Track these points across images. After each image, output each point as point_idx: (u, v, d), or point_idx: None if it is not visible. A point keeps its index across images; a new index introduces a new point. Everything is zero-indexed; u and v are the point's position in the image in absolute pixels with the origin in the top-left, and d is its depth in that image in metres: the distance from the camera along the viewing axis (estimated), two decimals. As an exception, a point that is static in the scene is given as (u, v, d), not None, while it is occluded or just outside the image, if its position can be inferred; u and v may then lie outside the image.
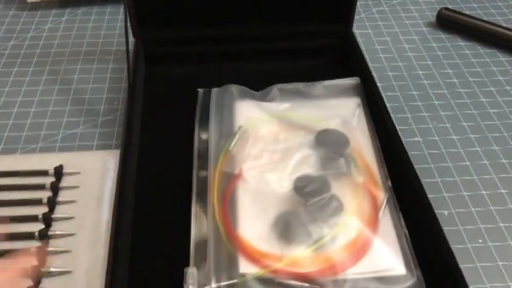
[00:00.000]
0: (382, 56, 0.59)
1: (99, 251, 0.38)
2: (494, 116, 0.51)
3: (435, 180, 0.45)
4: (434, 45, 0.61)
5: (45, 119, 0.51)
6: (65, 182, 0.44)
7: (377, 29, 0.64)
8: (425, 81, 0.56)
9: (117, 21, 0.65)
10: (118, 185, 0.38)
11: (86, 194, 0.42)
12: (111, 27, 0.64)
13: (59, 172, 0.44)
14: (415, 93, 0.54)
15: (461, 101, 0.53)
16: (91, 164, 0.45)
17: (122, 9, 0.66)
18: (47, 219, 0.40)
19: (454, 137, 0.49)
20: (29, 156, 0.46)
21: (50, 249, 0.38)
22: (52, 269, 0.37)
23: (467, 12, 0.65)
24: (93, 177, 0.44)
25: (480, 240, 0.40)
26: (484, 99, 0.53)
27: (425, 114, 0.51)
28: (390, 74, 0.56)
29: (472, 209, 0.43)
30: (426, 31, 0.64)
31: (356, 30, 0.54)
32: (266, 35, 0.54)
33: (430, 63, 0.58)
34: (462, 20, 0.63)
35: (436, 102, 0.53)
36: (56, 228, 0.40)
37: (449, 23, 0.63)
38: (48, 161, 0.45)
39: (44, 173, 0.44)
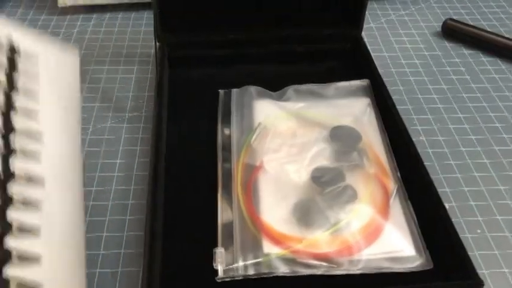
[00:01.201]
0: (389, 62, 0.63)
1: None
2: (495, 119, 0.55)
3: (438, 176, 0.48)
4: (439, 53, 0.65)
5: (76, 115, 0.55)
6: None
7: (385, 37, 0.68)
8: (430, 86, 0.59)
9: (141, 26, 0.69)
10: (151, 172, 0.42)
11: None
12: (135, 32, 0.68)
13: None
14: (420, 96, 0.58)
15: (463, 104, 0.57)
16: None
17: (146, 16, 0.70)
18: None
19: (457, 137, 0.53)
20: None
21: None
22: None
23: (472, 23, 0.68)
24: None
25: (479, 231, 0.44)
26: (485, 104, 0.57)
27: (430, 117, 0.55)
28: (397, 79, 0.60)
29: (472, 202, 0.46)
30: (432, 40, 0.67)
31: (366, 39, 0.58)
32: (282, 39, 0.58)
33: (435, 69, 0.62)
34: (466, 30, 0.66)
35: (440, 106, 0.57)
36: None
37: (454, 33, 0.67)
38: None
39: None
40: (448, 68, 0.62)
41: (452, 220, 0.39)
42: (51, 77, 0.35)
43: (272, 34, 0.58)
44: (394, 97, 0.50)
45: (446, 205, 0.40)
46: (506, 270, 0.41)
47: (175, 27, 0.57)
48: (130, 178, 0.48)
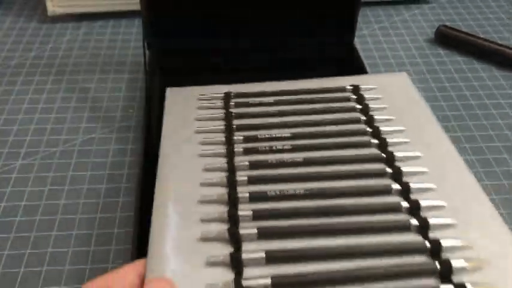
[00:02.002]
0: (383, 69, 0.62)
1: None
2: (489, 127, 0.54)
3: (431, 186, 0.48)
4: (433, 60, 0.64)
5: (64, 125, 0.54)
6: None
7: (378, 44, 0.67)
8: (423, 93, 0.59)
9: (131, 34, 0.68)
10: (140, 183, 0.41)
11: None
12: (126, 40, 0.67)
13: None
14: (413, 104, 0.57)
15: (457, 112, 0.56)
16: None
17: (136, 24, 0.70)
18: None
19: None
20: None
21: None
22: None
23: (465, 30, 0.68)
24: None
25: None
26: (479, 112, 0.56)
27: (423, 125, 0.54)
28: (390, 86, 0.60)
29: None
30: (425, 46, 0.67)
31: (359, 46, 0.57)
32: (274, 47, 0.57)
33: (428, 77, 0.62)
34: (460, 36, 0.66)
35: (433, 114, 0.56)
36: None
37: (447, 39, 0.67)
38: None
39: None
40: (441, 75, 0.62)
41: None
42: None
43: (264, 42, 0.57)
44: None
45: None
46: None
47: (166, 35, 0.57)
48: (118, 190, 0.47)
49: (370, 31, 0.70)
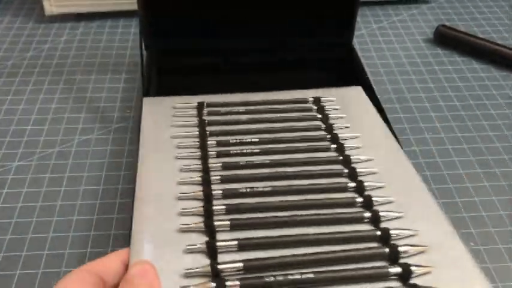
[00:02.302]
0: (381, 69, 0.62)
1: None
2: (488, 128, 0.54)
3: (431, 186, 0.47)
4: (431, 60, 0.64)
5: (61, 125, 0.54)
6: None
7: (377, 44, 0.67)
8: (422, 94, 0.58)
9: (129, 34, 0.68)
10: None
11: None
12: (123, 40, 0.67)
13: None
14: (412, 105, 0.57)
15: (456, 113, 0.56)
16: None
17: (134, 24, 0.69)
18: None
19: (449, 146, 0.52)
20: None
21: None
22: None
23: (464, 30, 0.68)
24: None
25: (472, 243, 0.43)
26: (478, 112, 0.56)
27: (422, 125, 0.54)
28: (389, 87, 0.59)
29: (465, 214, 0.45)
30: (424, 46, 0.67)
31: (357, 46, 0.57)
32: (272, 47, 0.57)
33: (427, 77, 0.61)
34: (459, 36, 0.66)
35: (432, 114, 0.56)
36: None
37: (446, 39, 0.66)
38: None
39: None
40: (440, 75, 0.62)
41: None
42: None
43: (262, 42, 0.57)
44: (385, 106, 0.49)
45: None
46: (500, 285, 0.40)
47: (163, 35, 0.56)
48: (115, 191, 0.47)
49: (368, 31, 0.70)
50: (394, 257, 0.29)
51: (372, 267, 0.29)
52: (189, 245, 0.29)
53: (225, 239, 0.30)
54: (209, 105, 0.44)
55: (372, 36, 0.69)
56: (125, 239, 0.43)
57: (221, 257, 0.29)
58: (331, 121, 0.42)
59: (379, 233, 0.31)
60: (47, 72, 0.61)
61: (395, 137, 0.41)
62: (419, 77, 0.61)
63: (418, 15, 0.73)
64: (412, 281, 0.28)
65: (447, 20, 0.72)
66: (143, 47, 0.54)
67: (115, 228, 0.43)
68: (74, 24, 0.70)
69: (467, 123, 0.55)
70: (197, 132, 0.40)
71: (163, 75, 0.57)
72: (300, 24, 0.57)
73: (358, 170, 0.36)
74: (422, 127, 0.54)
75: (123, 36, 0.67)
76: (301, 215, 0.32)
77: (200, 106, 0.44)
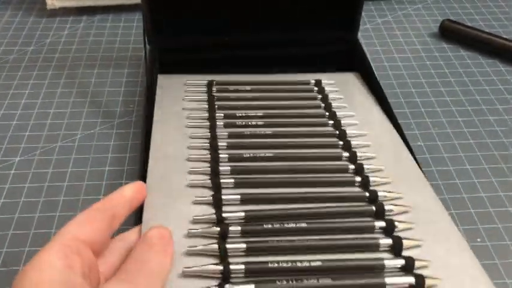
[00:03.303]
0: (386, 64, 0.62)
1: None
2: (494, 123, 0.54)
3: (437, 182, 0.47)
4: (437, 54, 0.64)
5: (64, 120, 0.53)
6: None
7: (382, 38, 0.66)
8: (427, 89, 0.58)
9: (131, 28, 0.67)
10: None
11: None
12: (126, 34, 0.66)
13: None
14: (418, 100, 0.56)
15: (462, 108, 0.55)
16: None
17: (136, 18, 0.69)
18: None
19: (455, 142, 0.51)
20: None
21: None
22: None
23: (469, 24, 0.67)
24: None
25: (479, 239, 0.42)
26: (484, 107, 0.56)
27: (428, 120, 0.54)
28: (394, 81, 0.59)
29: (472, 210, 0.45)
30: (429, 41, 0.66)
31: (362, 40, 0.56)
32: (276, 42, 0.56)
33: (432, 71, 0.61)
34: (464, 31, 0.65)
35: (438, 109, 0.55)
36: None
37: (451, 33, 0.66)
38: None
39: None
40: (446, 70, 0.61)
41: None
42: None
43: (266, 37, 0.56)
44: (391, 100, 0.48)
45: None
46: (508, 281, 0.40)
47: (166, 30, 0.56)
48: (119, 186, 0.46)
49: (373, 25, 0.69)
50: (380, 213, 0.33)
51: (360, 221, 0.33)
52: (197, 197, 0.34)
53: (230, 193, 0.34)
54: (218, 83, 0.48)
55: (377, 30, 0.68)
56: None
57: (225, 208, 0.33)
58: (329, 101, 0.46)
59: (367, 194, 0.35)
60: (49, 67, 0.61)
61: (397, 122, 0.44)
62: (425, 71, 0.61)
63: (423, 9, 0.72)
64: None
65: (452, 14, 0.71)
66: (146, 42, 0.53)
67: (118, 224, 0.43)
68: (76, 18, 0.69)
69: (473, 118, 0.54)
70: (206, 106, 0.45)
71: (166, 71, 0.57)
72: (304, 18, 0.57)
73: (352, 142, 0.41)
74: (428, 122, 0.53)
75: (125, 31, 0.67)
76: (298, 177, 0.36)
77: (210, 84, 0.48)
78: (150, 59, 0.53)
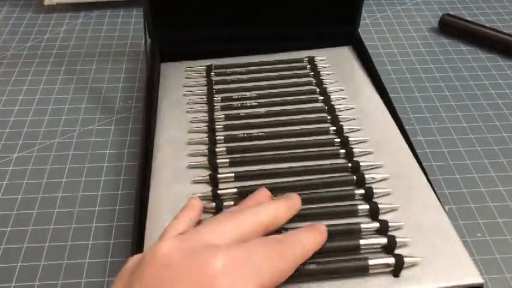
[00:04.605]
0: (386, 59, 0.61)
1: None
2: (494, 118, 0.53)
3: (437, 177, 0.47)
4: (436, 49, 0.63)
5: (62, 116, 0.53)
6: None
7: (381, 33, 0.66)
8: (427, 84, 0.58)
9: (130, 23, 0.67)
10: (140, 174, 0.40)
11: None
12: (124, 30, 0.66)
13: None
14: (417, 95, 0.56)
15: (462, 103, 0.55)
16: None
17: (134, 14, 0.68)
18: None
19: (455, 136, 0.51)
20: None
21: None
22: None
23: (469, 19, 0.67)
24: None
25: (479, 234, 0.42)
26: (484, 102, 0.55)
27: (427, 115, 0.53)
28: (394, 76, 0.59)
29: (472, 205, 0.45)
30: (429, 36, 0.66)
31: (361, 35, 0.56)
32: (276, 36, 0.56)
33: (432, 66, 0.60)
34: (464, 25, 0.65)
35: (438, 104, 0.55)
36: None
37: (451, 28, 0.65)
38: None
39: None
40: (445, 65, 0.61)
41: (452, 223, 0.37)
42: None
43: (266, 31, 0.56)
44: (391, 95, 0.48)
45: (446, 207, 0.39)
46: (507, 275, 0.39)
47: (166, 23, 0.55)
48: (117, 183, 0.46)
49: (372, 20, 0.69)
50: (360, 182, 0.36)
51: (342, 190, 0.36)
52: (196, 177, 0.38)
53: (225, 171, 0.38)
54: (217, 67, 0.52)
55: (376, 25, 0.68)
56: (127, 230, 0.42)
57: (221, 186, 0.37)
58: (321, 77, 0.49)
59: (350, 164, 0.38)
60: (47, 63, 0.60)
61: (397, 115, 0.45)
62: (424, 66, 0.60)
63: (423, 4, 0.72)
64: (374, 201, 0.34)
65: (452, 9, 0.71)
66: (147, 35, 0.53)
67: (117, 220, 0.43)
68: (73, 14, 0.69)
69: (473, 113, 0.54)
70: (205, 90, 0.48)
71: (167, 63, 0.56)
72: (304, 13, 0.56)
73: (340, 116, 0.43)
74: (428, 117, 0.53)
75: (123, 26, 0.66)
76: (288, 153, 0.39)
77: (209, 68, 0.51)
78: (150, 52, 0.53)
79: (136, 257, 0.27)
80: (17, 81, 0.57)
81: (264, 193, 0.33)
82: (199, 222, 0.31)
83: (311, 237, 0.29)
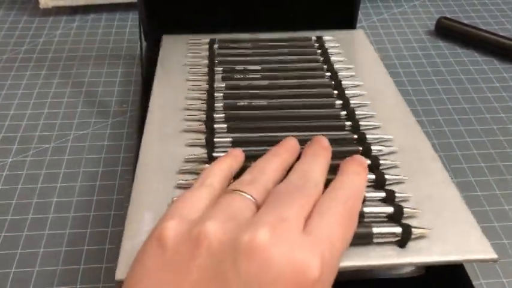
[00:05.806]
0: (382, 62, 0.61)
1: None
2: (491, 121, 0.53)
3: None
4: (433, 52, 0.63)
5: (57, 120, 0.53)
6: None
7: (378, 36, 0.66)
8: (424, 87, 0.58)
9: (125, 27, 0.67)
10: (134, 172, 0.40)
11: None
12: (120, 33, 0.66)
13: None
14: (414, 98, 0.56)
15: (459, 106, 0.55)
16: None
17: (130, 17, 0.68)
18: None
19: (452, 140, 0.51)
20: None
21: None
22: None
23: (466, 21, 0.67)
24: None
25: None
26: (481, 105, 0.55)
27: (424, 119, 0.53)
28: (390, 80, 0.58)
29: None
30: (425, 39, 0.66)
31: (357, 38, 0.56)
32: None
33: (429, 69, 0.60)
34: (460, 28, 0.65)
35: (435, 107, 0.55)
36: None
37: (447, 31, 0.65)
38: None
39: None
40: (442, 68, 0.61)
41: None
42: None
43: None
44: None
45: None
46: (504, 280, 0.39)
47: (163, 26, 0.55)
48: (113, 187, 0.46)
49: (369, 23, 0.69)
50: (366, 153, 0.34)
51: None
52: (191, 139, 0.36)
53: (222, 136, 0.36)
54: (220, 41, 0.49)
55: (373, 28, 0.68)
56: (121, 236, 0.42)
57: (217, 150, 0.35)
58: (330, 55, 0.47)
59: (356, 136, 0.36)
60: (42, 67, 0.60)
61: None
62: (421, 69, 0.60)
63: (419, 7, 0.72)
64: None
65: (448, 12, 0.71)
66: (142, 38, 0.53)
67: (112, 226, 0.43)
68: (69, 18, 0.69)
69: (470, 116, 0.54)
70: (207, 61, 0.46)
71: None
72: (301, 15, 0.56)
73: (347, 91, 0.41)
74: (425, 120, 0.53)
75: (119, 30, 0.66)
76: (290, 123, 0.37)
77: (212, 41, 0.49)
78: (146, 55, 0.53)
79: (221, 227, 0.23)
80: (12, 85, 0.57)
81: (292, 142, 0.31)
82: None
83: (361, 181, 0.29)
